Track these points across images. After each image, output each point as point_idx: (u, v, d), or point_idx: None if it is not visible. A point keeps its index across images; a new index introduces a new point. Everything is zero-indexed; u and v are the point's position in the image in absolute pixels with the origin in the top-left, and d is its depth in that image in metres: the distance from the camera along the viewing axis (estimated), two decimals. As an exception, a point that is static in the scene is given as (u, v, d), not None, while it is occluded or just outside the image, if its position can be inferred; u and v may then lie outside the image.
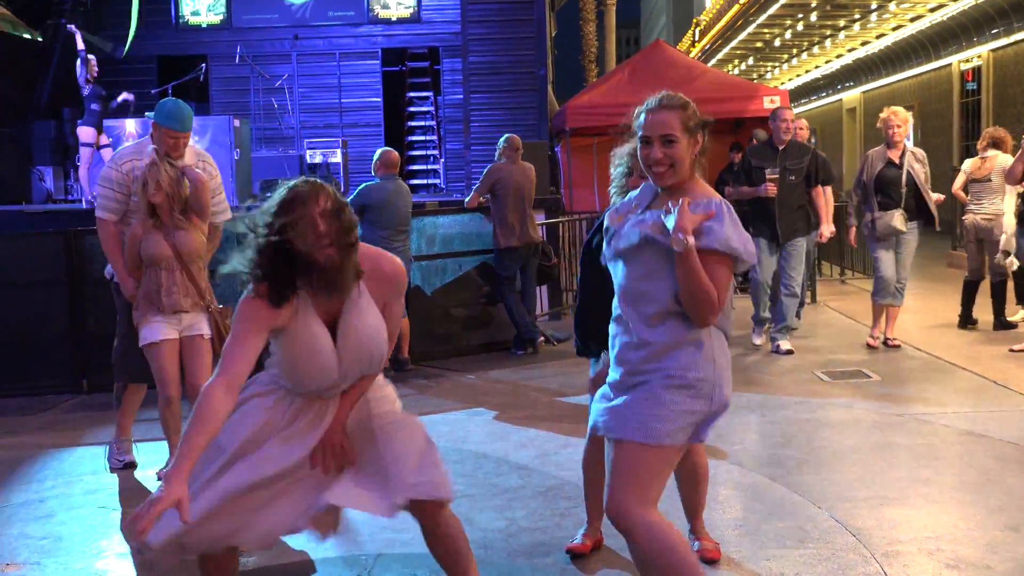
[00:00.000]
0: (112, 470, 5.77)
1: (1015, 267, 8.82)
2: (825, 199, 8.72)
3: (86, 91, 12.34)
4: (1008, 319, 9.25)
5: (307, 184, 3.05)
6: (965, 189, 9.63)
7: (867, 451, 5.72)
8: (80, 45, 12.60)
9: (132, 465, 5.79)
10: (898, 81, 25.52)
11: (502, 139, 9.38)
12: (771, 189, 8.35)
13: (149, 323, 5.28)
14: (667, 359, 3.06)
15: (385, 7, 16.84)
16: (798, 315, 9.31)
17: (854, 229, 8.69)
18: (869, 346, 8.68)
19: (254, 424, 3.23)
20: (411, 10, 16.83)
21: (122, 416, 5.87)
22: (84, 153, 12.35)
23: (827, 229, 8.70)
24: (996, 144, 9.37)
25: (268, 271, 3.04)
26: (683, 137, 3.10)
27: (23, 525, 4.89)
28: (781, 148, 8.53)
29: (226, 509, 3.11)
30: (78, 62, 12.43)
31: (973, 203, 9.44)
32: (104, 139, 12.32)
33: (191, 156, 5.60)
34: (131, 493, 5.37)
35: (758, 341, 8.95)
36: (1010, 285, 9.36)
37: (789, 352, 8.51)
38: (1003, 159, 9.12)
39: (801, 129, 12.92)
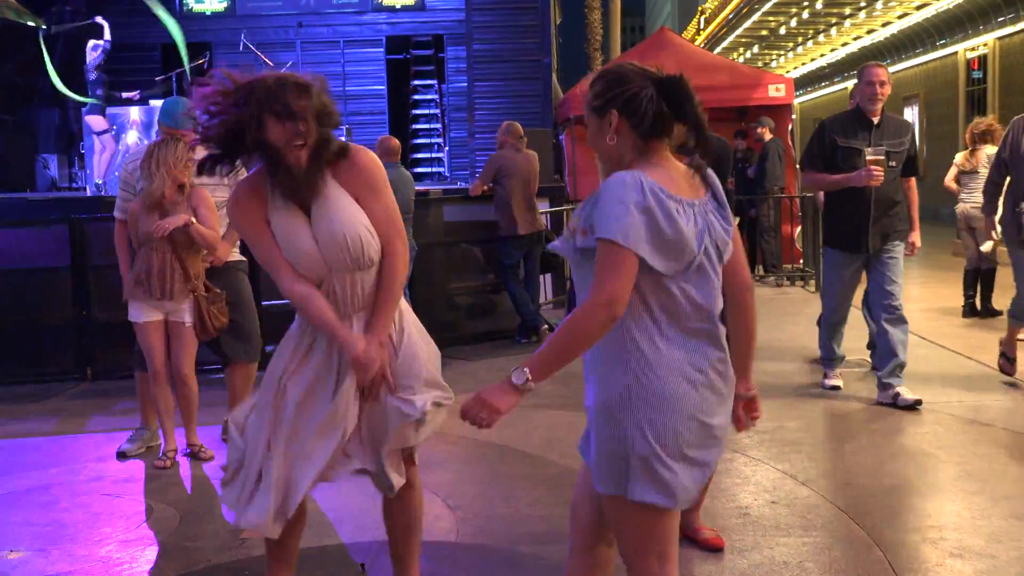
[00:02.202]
0: (127, 455, 5.79)
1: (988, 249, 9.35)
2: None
3: (92, 76, 12.28)
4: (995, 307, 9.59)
5: (294, 81, 3.09)
6: (957, 180, 9.96)
7: (871, 440, 5.71)
8: (107, 36, 12.47)
9: (162, 449, 5.79)
10: (904, 70, 25.42)
11: (503, 127, 9.35)
12: (879, 175, 6.13)
13: (135, 301, 5.40)
14: None
15: (389, -6, 16.82)
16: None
17: (994, 220, 7.05)
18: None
19: (282, 375, 3.28)
20: (415, -3, 16.81)
21: (142, 406, 5.93)
22: (106, 140, 12.30)
23: (918, 239, 6.62)
24: (983, 139, 9.72)
25: (222, 147, 3.13)
26: (589, 118, 2.67)
27: (27, 512, 4.89)
28: (876, 122, 6.37)
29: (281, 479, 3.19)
30: (89, 47, 12.35)
31: (964, 193, 9.81)
32: (105, 123, 12.29)
33: (203, 150, 5.58)
34: (134, 481, 5.38)
35: (835, 382, 6.85)
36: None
37: (918, 403, 6.25)
38: (989, 150, 9.49)
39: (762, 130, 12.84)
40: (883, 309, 6.41)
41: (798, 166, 6.65)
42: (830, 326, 6.83)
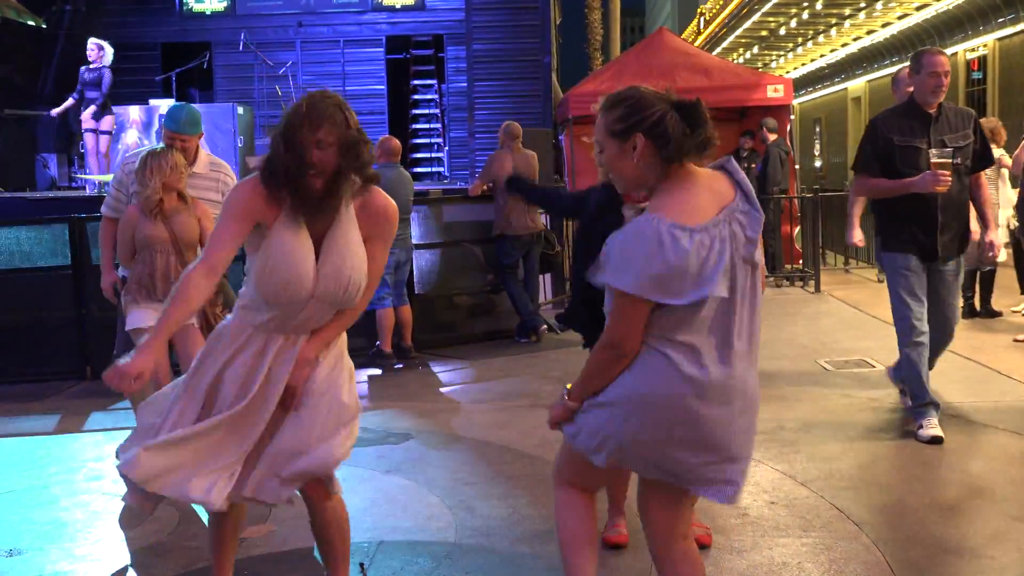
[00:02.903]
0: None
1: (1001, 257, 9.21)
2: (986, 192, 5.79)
3: (80, 74, 12.23)
4: (1013, 309, 9.62)
5: (321, 107, 3.06)
6: None
7: (868, 440, 5.71)
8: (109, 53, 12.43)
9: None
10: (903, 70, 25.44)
11: (502, 127, 9.37)
12: (946, 180, 5.28)
13: (138, 308, 5.30)
14: None
15: (389, -6, 16.82)
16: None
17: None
18: None
19: (218, 366, 3.22)
20: (415, -3, 16.81)
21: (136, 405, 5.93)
22: (87, 137, 12.31)
23: (997, 237, 5.77)
24: (991, 137, 9.63)
25: (274, 164, 3.10)
26: (608, 141, 2.75)
27: (26, 511, 4.90)
28: (934, 116, 5.53)
29: (183, 451, 3.13)
30: (88, 46, 12.32)
31: None
32: (96, 123, 12.26)
33: (204, 164, 5.56)
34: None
35: (934, 431, 5.51)
36: (1012, 275, 9.68)
37: (937, 440, 5.48)
38: (996, 152, 9.43)
39: (771, 133, 12.79)
40: (937, 331, 5.68)
41: (851, 171, 5.88)
42: (911, 352, 5.59)
